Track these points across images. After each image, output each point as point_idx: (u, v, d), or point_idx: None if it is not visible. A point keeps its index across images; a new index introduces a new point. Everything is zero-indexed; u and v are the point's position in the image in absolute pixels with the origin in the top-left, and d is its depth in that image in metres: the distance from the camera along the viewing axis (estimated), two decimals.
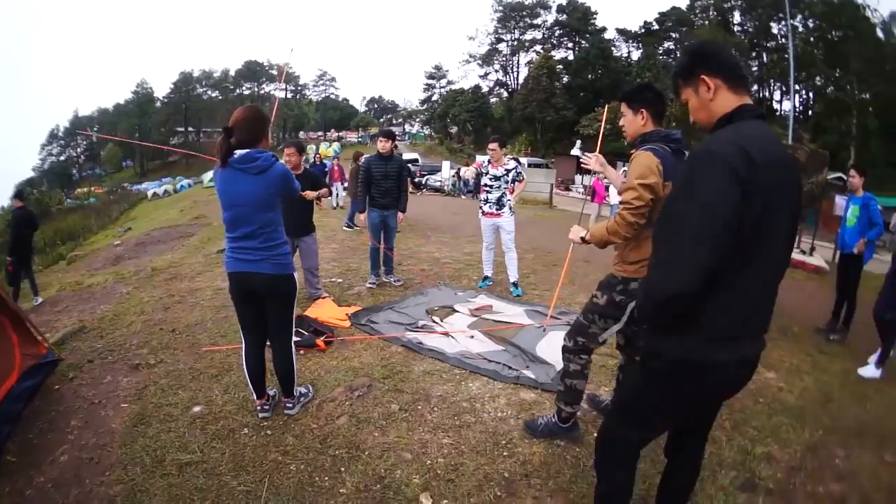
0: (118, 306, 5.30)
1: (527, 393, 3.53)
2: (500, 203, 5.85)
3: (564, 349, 2.93)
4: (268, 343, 3.09)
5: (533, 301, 5.75)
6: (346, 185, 13.10)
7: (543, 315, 5.07)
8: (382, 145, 5.88)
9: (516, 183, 5.90)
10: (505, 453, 2.83)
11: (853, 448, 3.26)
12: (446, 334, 4.53)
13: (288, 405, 3.12)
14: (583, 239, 2.71)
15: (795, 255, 10.97)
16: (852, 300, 5.75)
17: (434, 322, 4.83)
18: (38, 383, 3.40)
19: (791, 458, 3.05)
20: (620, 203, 2.51)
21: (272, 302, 2.94)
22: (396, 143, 7.39)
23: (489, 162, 5.89)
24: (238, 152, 2.71)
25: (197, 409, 3.17)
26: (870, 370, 4.52)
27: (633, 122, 2.70)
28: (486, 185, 5.90)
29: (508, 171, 5.82)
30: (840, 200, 14.68)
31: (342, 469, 2.64)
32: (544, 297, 5.87)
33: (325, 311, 4.87)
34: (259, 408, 3.07)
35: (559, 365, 3.84)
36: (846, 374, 4.48)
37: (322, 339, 4.14)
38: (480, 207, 6.02)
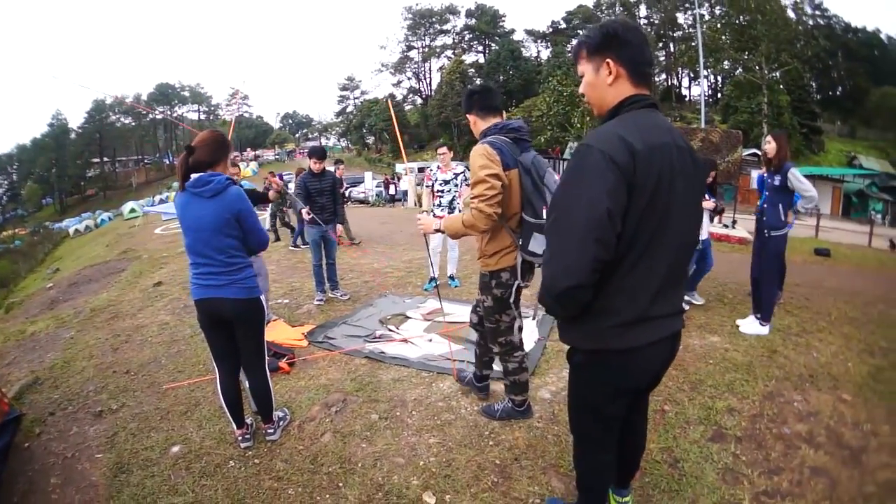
0: (66, 353, 5.04)
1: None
2: (451, 206, 6.02)
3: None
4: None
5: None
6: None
7: None
8: (316, 166, 5.90)
9: (465, 185, 6.06)
10: (491, 443, 2.95)
11: (809, 392, 3.60)
12: (405, 341, 4.59)
13: (269, 431, 3.07)
14: (437, 229, 2.80)
15: (720, 230, 11.72)
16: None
17: (390, 331, 4.88)
18: (8, 443, 3.21)
19: (751, 408, 3.34)
20: (473, 198, 2.58)
21: (241, 327, 2.87)
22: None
23: (438, 167, 6.07)
24: (193, 176, 2.66)
25: (175, 448, 3.05)
26: (754, 327, 4.85)
27: (474, 125, 2.91)
28: (437, 190, 6.07)
29: (457, 174, 6.03)
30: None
31: (340, 484, 2.64)
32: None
33: (279, 333, 4.81)
34: (240, 437, 3.00)
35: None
36: (786, 330, 4.88)
37: (284, 360, 4.10)
38: (432, 211, 6.14)
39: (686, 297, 5.50)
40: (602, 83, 1.69)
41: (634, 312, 1.65)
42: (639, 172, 1.53)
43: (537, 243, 2.55)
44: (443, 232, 2.77)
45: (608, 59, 1.66)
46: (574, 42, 1.82)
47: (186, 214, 2.69)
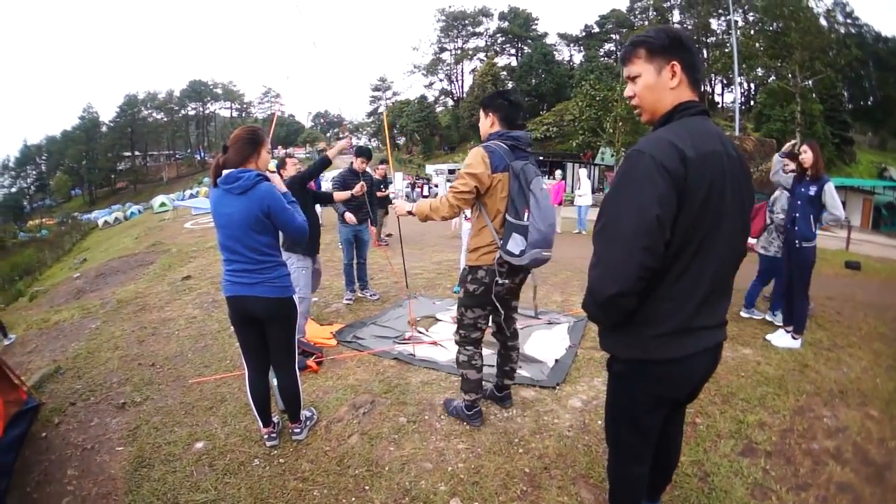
0: (90, 343, 5.08)
1: (526, 391, 3.62)
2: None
3: (455, 341, 3.15)
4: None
5: None
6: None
7: (524, 316, 5.19)
8: (361, 165, 5.93)
9: None
10: (520, 450, 2.91)
11: (838, 408, 3.54)
12: (435, 343, 4.56)
13: (295, 430, 3.05)
14: (409, 212, 3.04)
15: (750, 241, 11.49)
16: None
17: (420, 332, 4.86)
18: (24, 431, 3.21)
19: (782, 422, 3.28)
20: (450, 188, 2.82)
21: (272, 326, 2.86)
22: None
23: None
24: (224, 172, 2.66)
25: (199, 444, 3.04)
26: (786, 340, 4.76)
27: (484, 123, 2.97)
28: None
29: None
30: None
31: (367, 488, 2.62)
32: (520, 298, 5.98)
33: (308, 331, 4.81)
34: (266, 436, 2.99)
35: (551, 361, 4.03)
36: (817, 344, 4.76)
37: (313, 360, 4.09)
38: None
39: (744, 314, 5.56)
40: (664, 86, 1.65)
41: (678, 323, 1.62)
42: (690, 180, 1.49)
43: (515, 244, 2.70)
44: (412, 213, 3.02)
45: (674, 62, 1.63)
46: (625, 43, 1.76)
47: (218, 211, 2.69)
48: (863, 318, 5.82)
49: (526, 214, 2.68)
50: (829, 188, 4.54)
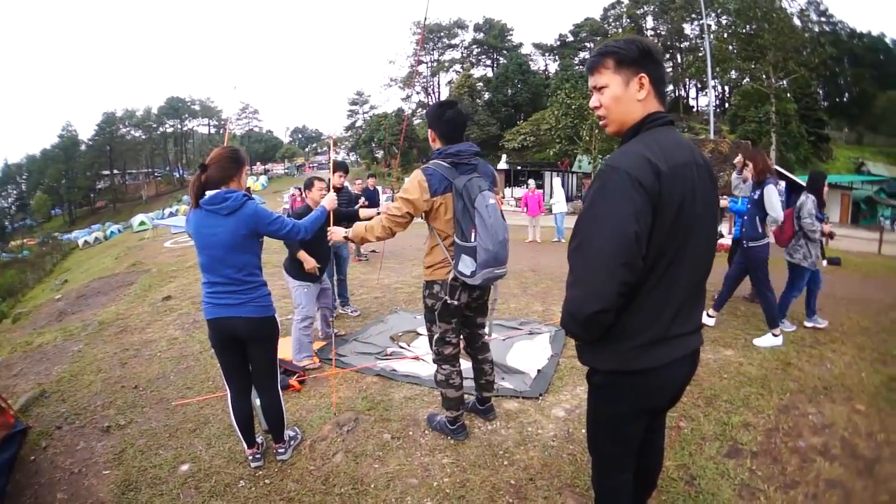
0: (73, 366, 5.03)
1: (509, 403, 3.62)
2: None
3: (432, 360, 3.16)
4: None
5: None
6: None
7: (505, 328, 5.25)
8: (340, 180, 5.91)
9: None
10: (505, 462, 2.91)
11: (823, 404, 3.59)
12: (417, 358, 4.54)
13: (280, 451, 3.03)
14: (346, 237, 3.09)
15: (729, 241, 11.63)
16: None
17: (402, 348, 4.84)
18: (13, 455, 3.20)
19: (767, 422, 3.32)
20: (385, 211, 2.87)
21: (255, 346, 2.84)
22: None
23: None
24: (208, 193, 2.63)
25: (185, 467, 3.02)
26: (768, 339, 4.84)
27: (431, 140, 2.96)
28: None
29: None
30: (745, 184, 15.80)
31: None
32: (500, 310, 6.01)
33: (290, 350, 4.77)
34: (251, 457, 2.96)
35: (533, 372, 4.04)
36: (799, 342, 4.84)
37: (295, 378, 4.06)
38: None
39: (809, 323, 5.43)
40: (631, 97, 1.65)
41: (655, 333, 1.63)
42: (664, 194, 1.51)
43: (465, 265, 2.67)
44: (350, 239, 3.07)
45: (642, 74, 1.63)
46: (592, 52, 1.77)
47: (201, 232, 2.66)
48: (845, 314, 5.94)
49: (473, 234, 2.63)
50: (768, 191, 4.87)
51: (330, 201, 3.24)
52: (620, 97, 1.66)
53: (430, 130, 2.92)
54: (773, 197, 4.83)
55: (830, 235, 5.20)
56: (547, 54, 61.31)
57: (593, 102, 1.74)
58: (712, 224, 1.74)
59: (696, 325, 1.77)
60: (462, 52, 64.90)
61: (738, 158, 5.88)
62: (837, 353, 4.60)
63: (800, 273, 5.20)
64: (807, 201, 5.05)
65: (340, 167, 6.07)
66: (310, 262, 4.39)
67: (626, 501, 2.03)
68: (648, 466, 2.11)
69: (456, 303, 2.82)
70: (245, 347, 2.85)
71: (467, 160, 2.81)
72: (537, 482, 2.72)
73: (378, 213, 5.13)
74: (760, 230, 4.94)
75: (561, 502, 2.56)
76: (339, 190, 5.94)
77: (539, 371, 4.10)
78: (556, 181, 15.88)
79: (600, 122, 1.76)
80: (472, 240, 2.62)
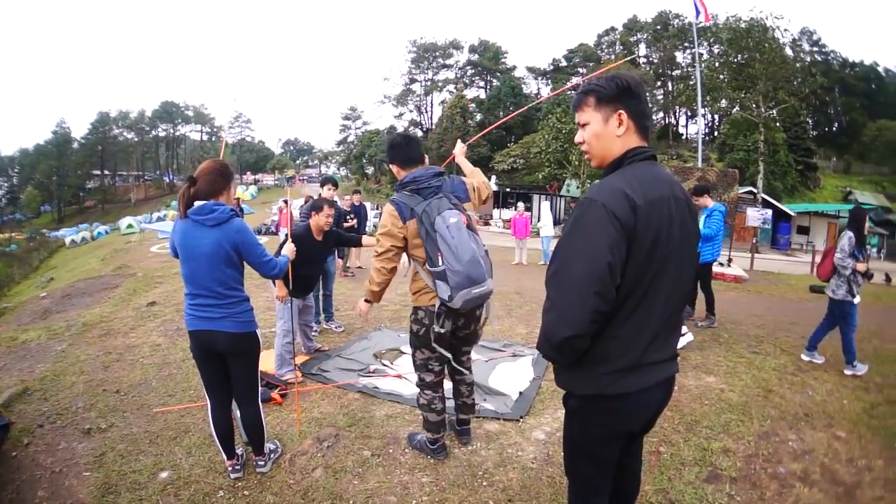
0: (56, 365, 5.01)
1: (490, 424, 3.63)
2: None
3: (416, 383, 3.16)
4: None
5: None
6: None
7: (488, 349, 5.26)
8: (328, 193, 5.94)
9: None
10: (484, 483, 2.91)
11: (804, 430, 3.63)
12: (399, 376, 4.54)
13: (259, 463, 3.01)
14: (366, 300, 3.14)
15: (715, 269, 11.79)
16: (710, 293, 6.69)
17: (385, 365, 4.83)
18: None
19: (746, 448, 3.35)
20: (373, 255, 2.90)
21: (235, 361, 2.84)
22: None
23: None
24: (196, 203, 2.64)
25: (164, 474, 3.01)
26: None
27: (396, 174, 3.01)
28: None
29: None
30: (752, 212, 16.03)
31: None
32: (484, 331, 6.00)
33: (272, 363, 4.73)
34: (231, 468, 2.94)
35: (515, 394, 4.06)
36: (782, 369, 4.89)
37: (277, 392, 4.04)
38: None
39: (807, 357, 5.30)
40: (610, 134, 1.70)
41: (629, 359, 1.67)
42: (639, 227, 1.56)
43: (441, 290, 2.67)
44: (370, 302, 3.15)
45: (621, 111, 1.68)
46: (577, 89, 1.83)
47: (186, 242, 2.66)
48: (827, 342, 5.94)
49: (440, 259, 2.62)
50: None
51: (291, 251, 3.27)
52: (600, 134, 1.72)
53: (395, 164, 2.96)
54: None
55: (866, 274, 5.02)
56: (540, 78, 62.40)
57: (578, 138, 1.80)
58: (689, 256, 1.78)
59: (672, 353, 1.81)
60: (456, 73, 65.94)
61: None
62: (819, 380, 4.65)
63: (849, 309, 5.03)
64: (843, 238, 5.00)
65: (329, 181, 6.09)
66: (282, 291, 4.41)
67: None
68: (626, 491, 2.12)
69: (441, 330, 2.79)
70: (226, 360, 2.84)
71: (427, 183, 2.81)
72: (515, 503, 2.73)
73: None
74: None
75: None
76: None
77: (521, 393, 4.11)
78: (545, 205, 16.05)
79: (585, 157, 1.83)
80: (440, 264, 2.61)
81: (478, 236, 2.78)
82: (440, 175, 2.88)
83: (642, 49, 54.48)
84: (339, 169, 74.02)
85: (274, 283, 4.46)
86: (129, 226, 35.30)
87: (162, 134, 75.88)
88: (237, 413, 3.05)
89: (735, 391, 4.29)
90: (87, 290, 10.84)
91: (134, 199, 67.43)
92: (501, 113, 52.10)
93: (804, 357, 5.28)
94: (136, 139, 72.75)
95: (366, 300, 3.14)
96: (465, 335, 3.01)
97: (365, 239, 4.95)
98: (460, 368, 3.16)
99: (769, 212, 17.52)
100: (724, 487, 2.89)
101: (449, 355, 2.95)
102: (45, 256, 35.03)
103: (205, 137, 77.16)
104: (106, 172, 71.17)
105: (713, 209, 6.56)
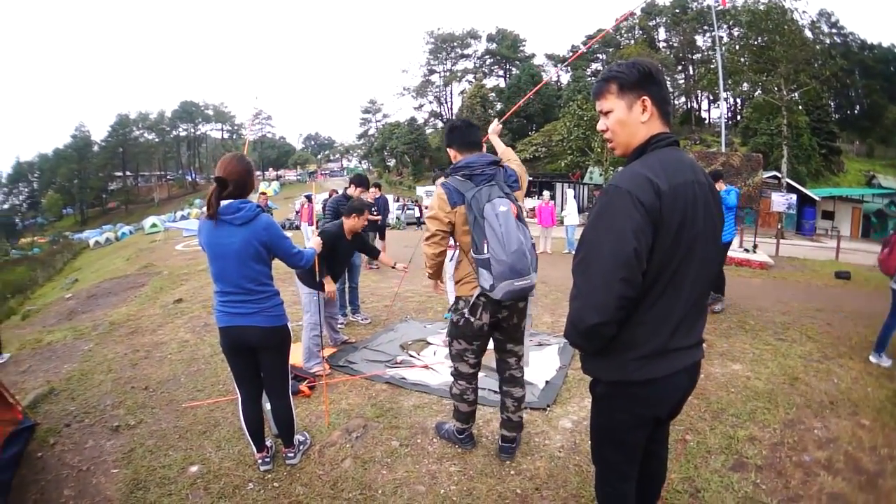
0: (83, 364, 5.09)
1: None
2: None
3: (451, 373, 3.12)
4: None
5: None
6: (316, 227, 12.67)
7: None
8: (355, 192, 6.00)
9: None
10: (512, 472, 2.93)
11: (829, 419, 3.58)
12: (426, 367, 4.57)
13: (289, 455, 3.06)
14: (430, 275, 3.10)
15: (740, 255, 11.61)
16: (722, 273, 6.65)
17: (411, 356, 4.86)
18: (20, 451, 3.23)
19: (772, 436, 3.32)
20: (423, 237, 2.89)
21: (267, 354, 2.88)
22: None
23: None
24: (222, 202, 2.65)
25: (194, 468, 3.05)
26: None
27: (452, 158, 2.97)
28: None
29: None
30: (777, 197, 15.73)
31: None
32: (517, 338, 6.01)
33: (300, 356, 4.77)
34: (260, 461, 2.99)
35: (541, 383, 4.04)
36: (807, 357, 4.82)
37: (305, 384, 4.09)
38: None
39: (874, 359, 4.80)
40: (635, 121, 1.70)
41: (655, 345, 1.68)
42: (664, 212, 1.56)
43: (483, 279, 2.60)
44: (431, 276, 3.11)
45: (644, 97, 1.68)
46: (598, 75, 1.82)
47: (213, 241, 2.69)
48: (853, 329, 5.89)
49: (485, 246, 2.55)
50: None
51: (317, 244, 3.34)
52: (624, 121, 1.72)
53: (453, 148, 2.94)
54: None
55: None
56: (559, 65, 61.60)
57: (600, 126, 1.80)
58: (714, 241, 1.78)
59: (697, 338, 1.81)
60: (475, 63, 65.71)
61: None
62: (845, 367, 4.58)
63: None
64: None
65: (359, 182, 6.13)
66: (330, 286, 4.53)
67: None
68: (652, 478, 2.14)
69: (479, 322, 2.75)
70: (257, 354, 2.88)
71: (480, 170, 2.77)
72: (543, 492, 2.75)
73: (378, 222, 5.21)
74: None
75: None
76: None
77: (547, 382, 4.11)
78: (569, 193, 15.91)
79: (608, 145, 1.81)
80: (485, 252, 2.54)
81: (527, 228, 2.72)
82: (495, 163, 2.83)
83: (662, 33, 53.69)
84: (360, 162, 74.39)
85: (300, 278, 4.52)
86: (154, 225, 35.83)
87: (182, 134, 77.07)
88: (266, 406, 3.10)
89: (761, 379, 4.24)
90: (113, 289, 11.04)
91: (157, 199, 68.49)
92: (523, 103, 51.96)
93: (872, 359, 4.81)
94: (156, 140, 73.98)
95: (430, 277, 3.13)
96: (508, 327, 2.90)
97: (382, 256, 5.02)
98: (511, 378, 3.03)
99: (794, 196, 17.21)
100: (749, 476, 2.87)
101: (484, 348, 2.92)
102: (68, 258, 35.55)
103: (225, 136, 78.22)
104: (128, 173, 72.47)
105: (728, 190, 6.62)
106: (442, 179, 2.91)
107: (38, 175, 70.91)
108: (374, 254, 5.10)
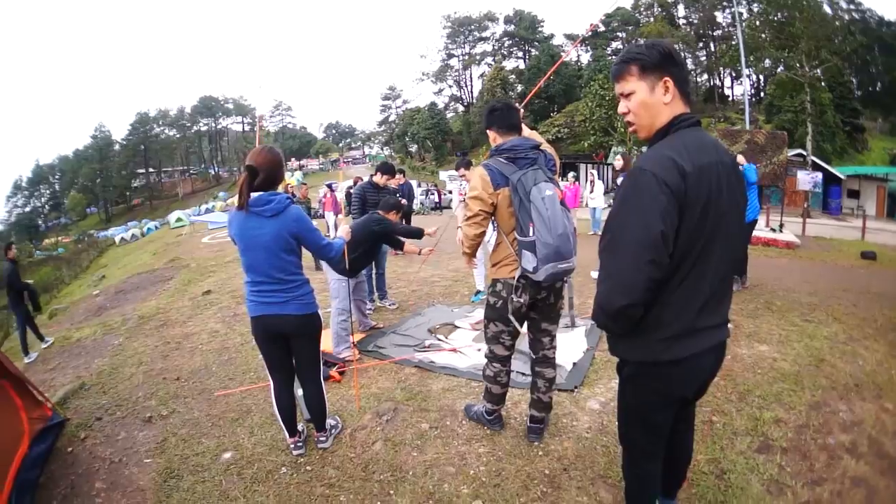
0: (114, 359, 5.19)
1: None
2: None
3: (485, 355, 3.13)
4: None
5: None
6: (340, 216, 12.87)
7: None
8: (381, 180, 6.04)
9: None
10: (540, 453, 2.96)
11: (854, 402, 3.55)
12: (455, 350, 4.61)
13: (321, 439, 3.13)
14: (467, 254, 3.07)
15: (767, 234, 11.44)
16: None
17: (439, 340, 4.92)
18: (49, 447, 3.28)
19: (797, 418, 3.30)
20: (464, 216, 2.86)
21: (298, 342, 2.94)
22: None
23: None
24: (252, 195, 2.70)
25: (227, 455, 3.12)
26: None
27: (492, 140, 2.94)
28: None
29: None
30: (802, 175, 15.42)
31: (391, 492, 2.69)
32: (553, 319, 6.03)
33: (330, 342, 4.85)
34: (293, 445, 3.06)
35: (569, 365, 4.04)
36: (833, 338, 4.75)
37: (335, 369, 4.16)
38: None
39: None
40: (658, 102, 1.70)
41: (682, 325, 1.69)
42: (689, 193, 1.57)
43: (527, 261, 2.61)
44: (467, 252, 3.05)
45: (666, 78, 1.68)
46: (616, 60, 1.82)
47: (244, 233, 2.74)
48: (878, 310, 5.80)
49: (531, 229, 2.56)
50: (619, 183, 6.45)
51: (346, 233, 3.37)
52: (648, 102, 1.72)
53: (493, 129, 2.92)
54: None
55: None
56: (579, 45, 60.64)
57: (621, 109, 1.80)
58: (739, 221, 1.80)
59: (723, 318, 1.83)
60: (493, 45, 64.98)
61: (620, 163, 7.37)
62: (870, 350, 4.51)
63: None
64: None
65: (387, 170, 6.17)
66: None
67: (654, 490, 2.10)
68: (678, 459, 2.17)
69: (519, 301, 2.74)
70: (289, 341, 2.94)
71: (524, 154, 2.75)
72: (571, 472, 2.78)
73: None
74: None
75: (594, 493, 2.62)
76: (382, 188, 6.06)
77: (574, 364, 4.13)
78: (595, 173, 15.71)
79: (630, 129, 1.81)
80: (531, 234, 2.55)
81: (570, 212, 2.73)
82: (537, 148, 2.83)
83: (681, 10, 52.40)
84: (382, 149, 74.36)
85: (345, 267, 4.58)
86: (179, 219, 36.17)
87: (203, 128, 77.53)
88: (298, 392, 3.17)
89: (787, 360, 4.21)
90: (141, 284, 11.25)
91: (181, 194, 69.35)
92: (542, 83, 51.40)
93: None
94: (178, 135, 74.57)
95: (464, 254, 3.12)
96: (544, 307, 2.90)
97: (407, 246, 5.04)
98: (543, 358, 3.05)
99: (819, 175, 16.85)
100: (774, 458, 2.86)
101: (520, 329, 2.92)
102: (94, 256, 35.70)
103: (246, 128, 78.45)
104: (151, 170, 73.21)
105: (746, 167, 6.50)
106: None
107: (59, 176, 71.71)
108: (397, 245, 5.16)
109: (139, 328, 6.36)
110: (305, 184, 10.64)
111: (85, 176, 66.65)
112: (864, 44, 32.74)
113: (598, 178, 14.64)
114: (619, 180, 6.50)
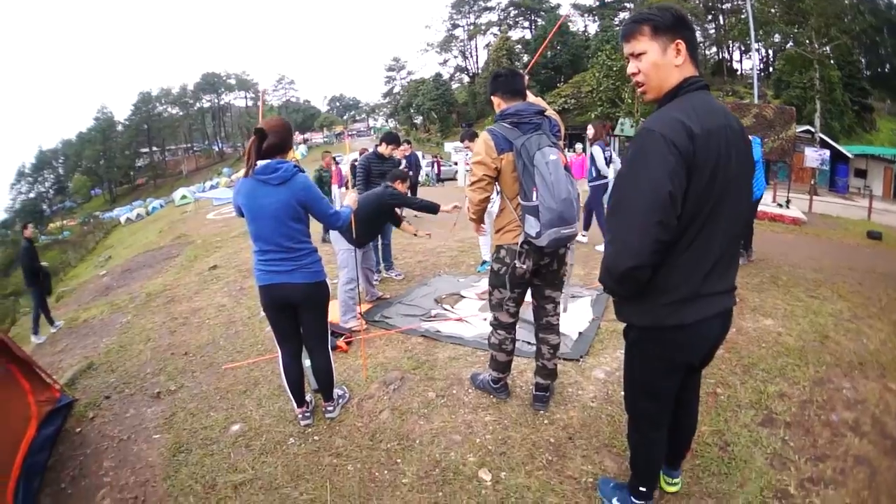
0: (122, 337, 5.21)
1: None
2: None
3: (489, 323, 3.14)
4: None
5: None
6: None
7: None
8: (386, 150, 5.99)
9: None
10: (546, 421, 2.99)
11: (857, 379, 3.54)
12: (461, 320, 4.63)
13: (328, 409, 3.15)
14: (473, 219, 3.12)
15: (773, 210, 11.38)
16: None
17: (445, 310, 4.94)
18: (57, 429, 3.28)
19: (801, 393, 3.31)
20: (468, 181, 2.87)
21: (306, 310, 2.95)
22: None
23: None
24: (259, 163, 2.68)
25: (235, 427, 3.15)
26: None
27: (497, 106, 2.91)
28: None
29: None
30: (810, 152, 15.26)
31: (398, 461, 2.72)
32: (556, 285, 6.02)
33: (338, 312, 4.85)
34: (301, 416, 3.08)
35: (574, 334, 4.06)
36: (838, 315, 4.74)
37: (342, 340, 4.17)
38: None
39: None
40: (669, 64, 1.69)
41: (688, 290, 1.70)
42: (698, 155, 1.56)
43: (530, 225, 2.61)
44: (474, 219, 3.12)
45: (678, 40, 1.67)
46: (626, 20, 1.79)
47: (252, 203, 2.72)
48: (883, 290, 5.77)
49: (534, 194, 2.55)
50: (591, 151, 7.27)
51: (353, 201, 3.31)
52: (659, 63, 1.70)
53: (497, 95, 2.89)
54: (597, 155, 7.11)
55: None
56: (586, 15, 59.34)
57: (631, 69, 1.77)
58: (747, 186, 1.78)
59: (730, 284, 1.82)
60: (499, 15, 63.64)
61: (591, 132, 7.48)
62: (874, 328, 4.49)
63: None
64: None
65: (391, 140, 6.11)
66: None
67: (659, 459, 2.12)
68: (683, 429, 2.19)
69: (521, 268, 2.75)
70: (297, 311, 2.95)
71: (528, 119, 2.72)
72: (576, 441, 2.80)
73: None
74: (594, 175, 7.17)
75: (598, 461, 2.64)
76: (387, 159, 6.02)
77: (580, 333, 4.13)
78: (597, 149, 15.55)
79: (638, 90, 1.79)
80: (534, 199, 2.55)
81: (573, 178, 2.72)
82: (542, 113, 2.81)
83: None
84: (387, 121, 73.84)
85: (352, 236, 4.52)
86: (184, 197, 36.26)
87: (206, 105, 77.04)
88: (306, 362, 3.19)
89: (792, 335, 4.20)
90: (148, 262, 11.30)
91: (185, 171, 69.16)
92: (549, 53, 50.27)
93: None
94: (181, 113, 74.19)
95: (471, 220, 3.15)
96: (548, 273, 2.90)
97: (404, 225, 5.05)
98: (547, 325, 3.04)
99: (827, 152, 16.66)
100: (778, 432, 2.87)
101: (524, 295, 2.94)
102: (100, 237, 36.05)
103: (249, 103, 77.84)
104: (154, 149, 72.82)
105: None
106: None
107: (63, 160, 71.25)
108: (396, 222, 5.14)
109: (146, 305, 6.38)
110: (329, 152, 10.59)
111: (88, 158, 66.38)
112: (873, 24, 32.26)
113: (615, 150, 14.47)
114: (593, 149, 7.17)
